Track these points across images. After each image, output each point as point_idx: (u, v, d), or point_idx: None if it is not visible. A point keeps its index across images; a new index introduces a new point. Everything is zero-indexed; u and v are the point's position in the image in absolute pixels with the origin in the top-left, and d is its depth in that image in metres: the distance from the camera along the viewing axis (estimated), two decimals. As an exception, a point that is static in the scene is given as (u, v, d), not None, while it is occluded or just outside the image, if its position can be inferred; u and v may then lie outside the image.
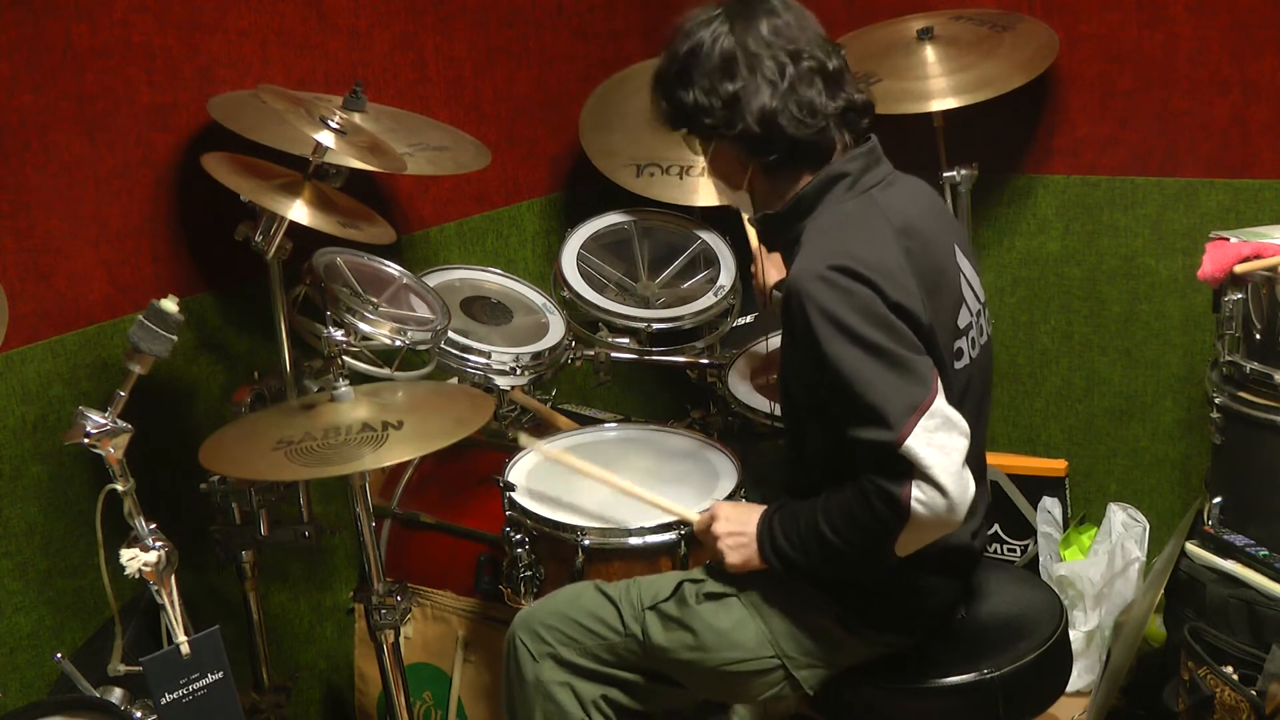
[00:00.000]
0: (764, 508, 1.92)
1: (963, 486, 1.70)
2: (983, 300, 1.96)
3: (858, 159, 1.86)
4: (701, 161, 2.77)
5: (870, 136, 1.90)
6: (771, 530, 1.87)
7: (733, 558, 1.91)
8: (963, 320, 1.87)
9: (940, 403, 1.71)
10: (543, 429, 2.55)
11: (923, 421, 1.68)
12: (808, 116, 1.82)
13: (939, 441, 1.69)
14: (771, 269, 2.55)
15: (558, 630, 1.96)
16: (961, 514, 1.71)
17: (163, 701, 1.85)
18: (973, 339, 1.90)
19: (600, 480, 2.14)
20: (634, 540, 2.09)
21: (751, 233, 2.52)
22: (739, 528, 1.92)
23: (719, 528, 1.94)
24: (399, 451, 1.96)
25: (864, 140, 1.89)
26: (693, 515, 2.03)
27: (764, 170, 1.88)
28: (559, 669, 1.96)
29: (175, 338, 1.90)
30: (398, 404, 2.10)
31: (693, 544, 2.09)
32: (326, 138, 2.06)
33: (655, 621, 1.94)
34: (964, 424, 1.73)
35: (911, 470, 1.68)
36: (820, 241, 1.79)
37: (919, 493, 1.68)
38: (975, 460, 1.89)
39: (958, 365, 1.86)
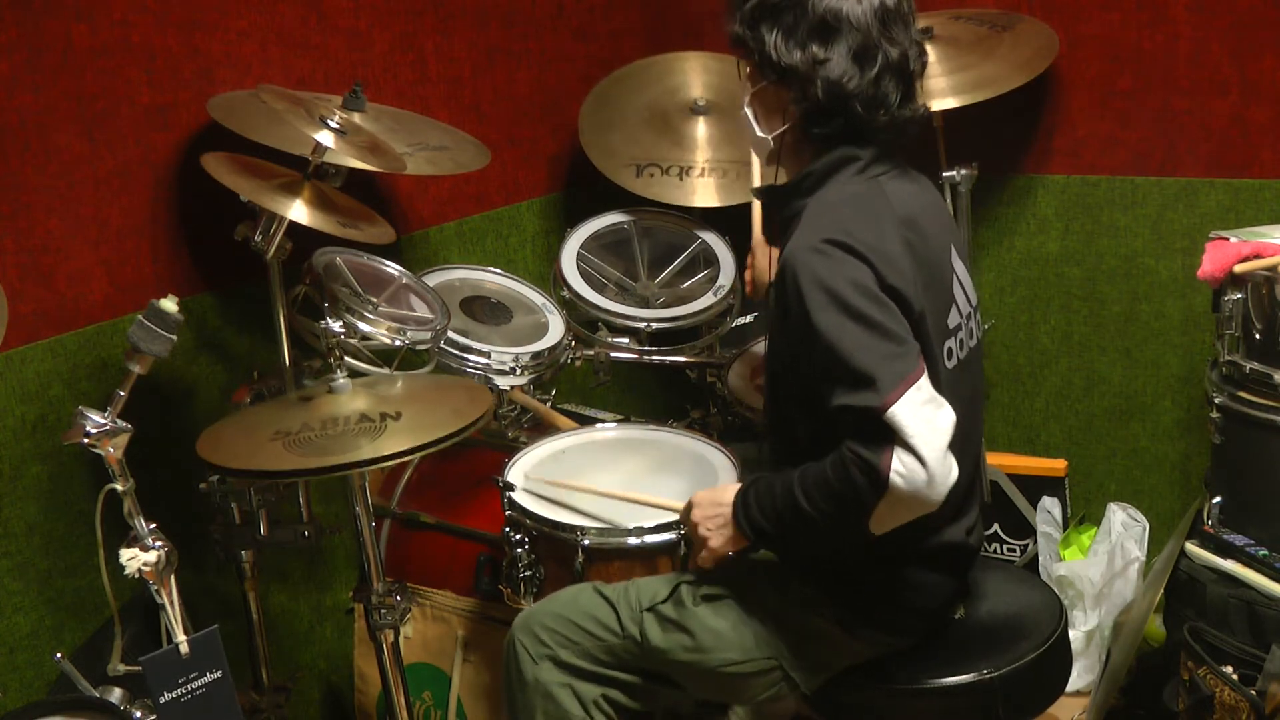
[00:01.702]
0: (737, 485, 1.90)
1: (946, 466, 1.65)
2: (974, 304, 1.96)
3: (871, 146, 1.85)
4: (701, 161, 2.83)
5: None
6: (746, 502, 1.85)
7: (715, 541, 1.90)
8: (952, 321, 1.87)
9: (927, 381, 1.69)
10: (542, 429, 2.56)
11: (910, 392, 1.65)
12: (877, 112, 1.80)
13: (925, 415, 1.65)
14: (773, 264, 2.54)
15: (557, 632, 1.96)
16: (941, 492, 1.66)
17: (161, 701, 1.85)
18: (961, 340, 1.89)
19: (587, 491, 2.15)
20: (634, 540, 2.09)
21: (757, 223, 2.49)
22: (715, 509, 1.90)
23: (696, 514, 1.92)
24: (397, 442, 1.94)
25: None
26: (678, 505, 2.01)
27: (801, 132, 1.85)
28: (558, 670, 1.96)
29: (175, 338, 1.90)
30: (396, 395, 2.10)
31: (692, 544, 2.09)
32: (326, 138, 2.06)
33: (653, 623, 1.94)
34: (949, 407, 1.70)
35: (894, 437, 1.64)
36: (819, 217, 1.79)
37: (899, 463, 1.64)
38: (970, 458, 1.90)
39: (948, 365, 1.85)
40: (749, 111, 1.91)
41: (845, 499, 1.71)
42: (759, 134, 1.90)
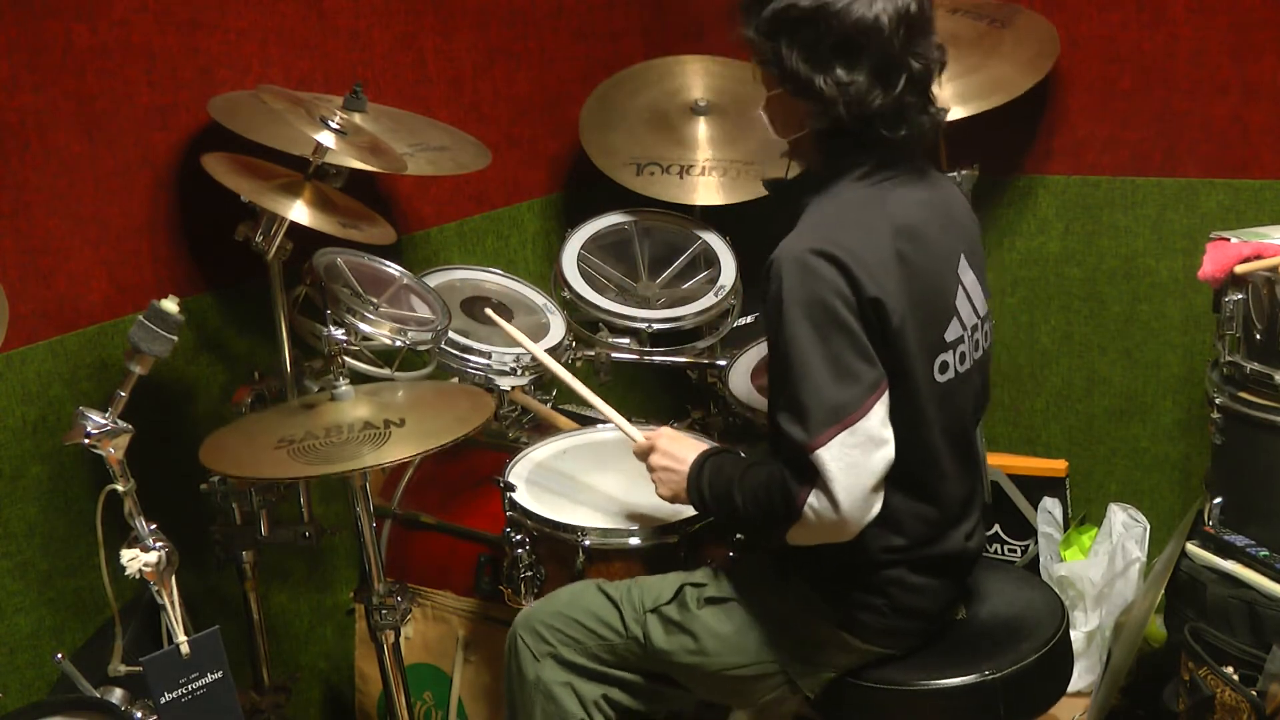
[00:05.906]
0: (703, 447, 1.96)
1: (864, 509, 1.72)
2: (983, 314, 1.94)
3: (881, 149, 1.83)
4: (701, 159, 2.83)
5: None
6: (700, 476, 1.92)
7: (662, 490, 1.99)
8: (951, 334, 1.85)
9: (870, 421, 1.70)
10: (543, 429, 2.56)
11: (843, 436, 1.69)
12: (899, 125, 1.78)
13: (852, 459, 1.69)
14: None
15: (559, 630, 1.96)
16: (853, 530, 1.73)
17: (162, 701, 1.85)
18: (963, 353, 1.88)
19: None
20: (634, 541, 2.09)
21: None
22: (672, 464, 1.97)
23: (655, 460, 2.00)
24: (401, 449, 1.96)
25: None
26: (639, 437, 2.07)
27: (821, 145, 1.84)
28: (560, 668, 1.96)
29: (175, 338, 1.90)
30: (399, 402, 2.11)
31: (693, 546, 2.09)
32: (326, 138, 2.06)
33: (656, 624, 1.94)
34: (890, 445, 1.72)
35: (815, 477, 1.70)
36: (814, 222, 1.79)
37: (815, 500, 1.71)
38: (970, 465, 1.92)
39: (940, 378, 1.84)
40: (764, 114, 1.90)
41: (767, 513, 1.80)
42: (774, 135, 1.90)
